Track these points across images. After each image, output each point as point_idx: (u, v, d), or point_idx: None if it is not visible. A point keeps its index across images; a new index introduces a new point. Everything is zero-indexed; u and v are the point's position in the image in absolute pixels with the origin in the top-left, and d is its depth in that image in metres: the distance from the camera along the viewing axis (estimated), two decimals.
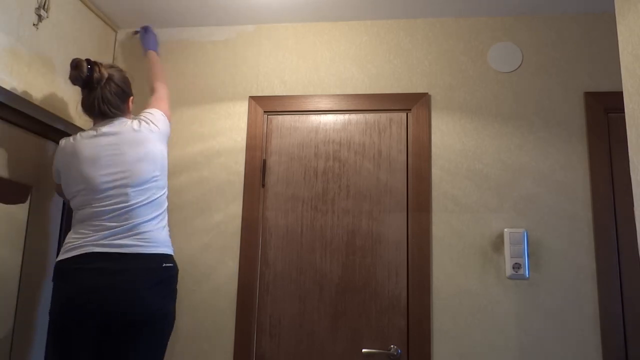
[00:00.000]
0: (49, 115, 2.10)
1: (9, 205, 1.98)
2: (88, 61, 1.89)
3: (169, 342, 2.23)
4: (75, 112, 2.25)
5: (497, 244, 2.16)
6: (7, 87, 1.84)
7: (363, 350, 2.13)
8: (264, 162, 2.35)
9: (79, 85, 1.92)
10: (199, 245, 2.32)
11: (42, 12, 2.00)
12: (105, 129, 1.89)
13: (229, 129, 2.41)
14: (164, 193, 1.94)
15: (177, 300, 2.26)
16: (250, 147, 2.36)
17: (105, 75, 1.90)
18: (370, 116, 2.34)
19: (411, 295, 2.16)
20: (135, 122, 1.94)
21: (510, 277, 2.12)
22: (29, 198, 2.08)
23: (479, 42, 2.35)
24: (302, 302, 2.22)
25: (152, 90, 2.19)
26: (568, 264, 2.11)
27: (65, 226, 2.29)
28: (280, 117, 2.40)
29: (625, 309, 2.04)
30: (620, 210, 2.11)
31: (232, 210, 2.33)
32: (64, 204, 2.29)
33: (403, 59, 2.38)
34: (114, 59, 2.55)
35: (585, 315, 2.06)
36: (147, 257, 1.79)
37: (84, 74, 1.87)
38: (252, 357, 2.19)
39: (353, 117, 2.35)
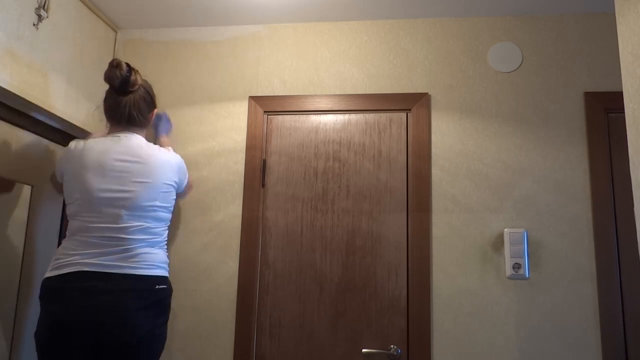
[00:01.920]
0: (49, 115, 2.11)
1: (9, 205, 1.98)
2: (127, 64, 1.87)
3: (166, 343, 2.24)
4: (74, 112, 2.25)
5: (497, 244, 2.16)
6: (7, 87, 1.84)
7: (363, 350, 2.13)
8: (264, 162, 2.35)
9: (114, 85, 1.85)
10: (199, 245, 2.32)
11: (42, 12, 2.00)
12: (122, 141, 1.82)
13: (229, 129, 2.41)
14: (162, 226, 1.86)
15: (177, 300, 2.27)
16: (250, 147, 2.36)
17: (139, 81, 1.89)
18: (370, 116, 2.34)
19: (411, 295, 2.16)
20: (155, 147, 1.89)
21: (510, 277, 2.12)
22: (29, 197, 2.08)
23: (479, 42, 2.35)
24: (302, 302, 2.22)
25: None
26: (568, 264, 2.11)
27: (65, 226, 2.29)
28: (280, 117, 2.40)
29: (625, 309, 2.04)
30: (620, 210, 2.11)
31: (232, 210, 2.33)
32: (64, 204, 2.29)
33: (403, 59, 2.38)
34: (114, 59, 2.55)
35: (585, 315, 2.06)
36: (139, 278, 1.73)
37: (124, 73, 1.83)
38: (252, 357, 2.19)
39: (353, 117, 2.35)
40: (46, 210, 2.18)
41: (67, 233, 1.79)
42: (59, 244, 2.26)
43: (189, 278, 2.29)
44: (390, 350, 2.12)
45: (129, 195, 1.76)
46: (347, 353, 2.15)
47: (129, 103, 1.87)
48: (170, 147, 2.10)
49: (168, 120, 2.38)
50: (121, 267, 1.71)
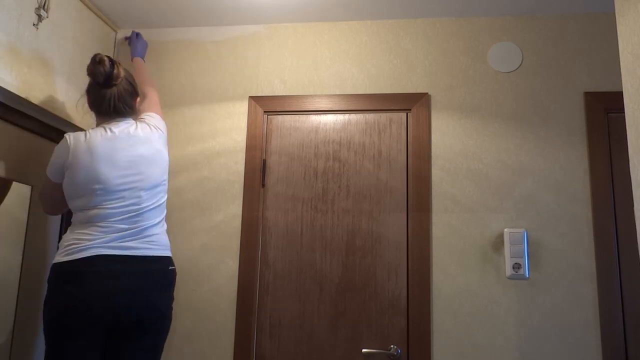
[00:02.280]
0: (49, 115, 2.11)
1: (9, 205, 1.98)
2: (109, 57, 1.87)
3: (166, 343, 2.24)
4: (74, 112, 2.25)
5: (497, 244, 2.16)
6: (7, 87, 1.84)
7: (363, 350, 2.13)
8: (264, 162, 2.35)
9: (99, 81, 1.84)
10: (199, 245, 2.32)
11: (42, 12, 2.00)
12: (116, 129, 1.85)
13: (229, 129, 2.41)
14: (166, 197, 1.97)
15: (177, 300, 2.27)
16: (250, 147, 2.36)
17: (122, 73, 1.89)
18: (370, 116, 2.34)
19: (411, 295, 2.16)
20: (144, 125, 1.93)
21: (510, 277, 2.12)
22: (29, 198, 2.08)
23: (479, 42, 2.35)
24: (302, 302, 2.22)
25: (143, 96, 2.14)
26: (568, 264, 2.11)
27: (66, 226, 2.29)
28: (280, 117, 2.40)
29: (625, 309, 2.04)
30: (620, 210, 2.11)
31: (232, 210, 2.33)
32: None
33: (403, 59, 2.38)
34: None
35: (585, 315, 2.06)
36: (155, 259, 1.81)
37: (107, 69, 1.83)
38: (252, 357, 2.19)
39: (353, 117, 2.35)
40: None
41: (76, 221, 1.80)
42: (59, 242, 2.25)
43: (189, 278, 2.29)
44: (390, 350, 2.12)
45: (143, 177, 1.84)
46: (347, 353, 2.15)
47: (113, 96, 1.87)
48: (145, 69, 2.30)
49: (143, 40, 2.42)
50: (138, 248, 1.79)
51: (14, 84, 1.88)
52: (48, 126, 2.17)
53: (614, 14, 2.28)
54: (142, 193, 1.83)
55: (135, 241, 1.79)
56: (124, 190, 1.80)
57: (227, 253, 2.30)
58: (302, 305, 2.21)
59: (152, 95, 2.17)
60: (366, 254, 2.22)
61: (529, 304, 2.10)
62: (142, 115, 2.00)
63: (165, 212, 1.95)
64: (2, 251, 1.95)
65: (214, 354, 2.22)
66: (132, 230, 1.79)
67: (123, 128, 1.87)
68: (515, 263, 2.11)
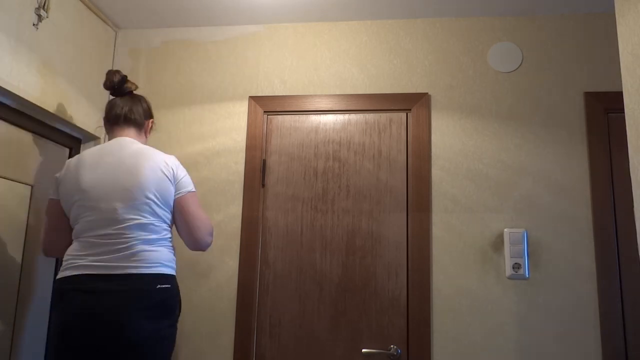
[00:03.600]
0: (49, 115, 2.11)
1: (9, 206, 1.98)
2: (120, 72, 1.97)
3: None
4: (74, 112, 2.25)
5: (497, 244, 2.16)
6: (7, 87, 1.84)
7: (363, 350, 2.13)
8: (264, 162, 2.35)
9: (112, 87, 1.94)
10: None
11: (42, 12, 2.00)
12: (115, 141, 1.84)
13: (229, 129, 2.41)
14: (161, 224, 1.78)
15: None
16: (250, 147, 2.36)
17: (134, 88, 1.98)
18: (370, 116, 2.34)
19: (411, 295, 2.16)
20: (153, 151, 1.85)
21: (510, 277, 2.12)
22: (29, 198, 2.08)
23: (479, 42, 2.35)
24: (302, 302, 2.22)
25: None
26: (568, 264, 2.11)
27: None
28: (280, 117, 2.40)
29: (625, 309, 2.04)
30: (620, 210, 2.11)
31: (232, 210, 2.33)
32: None
33: (403, 59, 2.38)
34: (114, 58, 2.55)
35: (585, 315, 2.06)
36: (138, 277, 1.68)
37: (120, 76, 1.94)
38: (252, 357, 2.19)
39: (353, 117, 2.35)
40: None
41: (72, 237, 1.79)
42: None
43: (189, 278, 2.29)
44: (390, 350, 2.12)
45: (123, 184, 1.73)
46: (347, 353, 2.15)
47: (125, 105, 1.92)
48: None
49: None
50: (122, 267, 1.68)
51: (13, 84, 1.88)
52: (48, 126, 2.17)
53: (614, 14, 2.28)
54: (119, 205, 1.71)
55: (120, 260, 1.68)
56: (101, 201, 1.72)
57: (227, 253, 2.30)
58: (302, 305, 2.21)
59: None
60: (366, 254, 2.22)
61: (529, 304, 2.10)
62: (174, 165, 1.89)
63: (161, 234, 1.78)
64: (2, 251, 1.95)
65: (214, 354, 2.22)
66: (116, 247, 1.69)
67: (122, 140, 1.84)
68: (515, 263, 2.11)
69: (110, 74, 1.96)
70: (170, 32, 2.55)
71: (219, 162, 2.39)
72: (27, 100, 1.95)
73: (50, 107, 2.07)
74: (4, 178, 1.96)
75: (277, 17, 2.42)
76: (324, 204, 2.28)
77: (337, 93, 2.38)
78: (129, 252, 1.70)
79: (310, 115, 2.38)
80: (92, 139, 2.42)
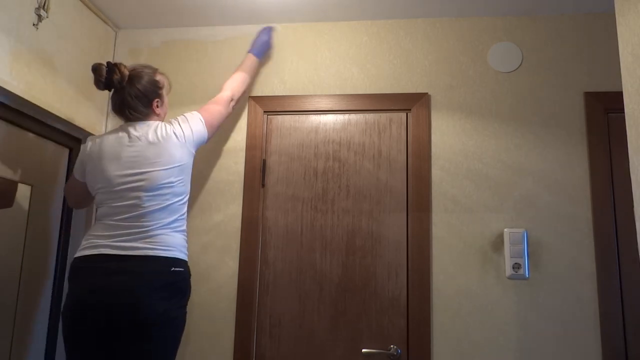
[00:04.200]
0: (49, 115, 2.11)
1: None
2: (108, 63, 1.90)
3: None
4: (74, 112, 2.25)
5: (497, 244, 2.16)
6: (7, 87, 1.84)
7: (363, 350, 2.13)
8: (264, 162, 2.35)
9: (102, 89, 1.93)
10: (199, 245, 2.32)
11: (42, 12, 2.00)
12: (131, 129, 1.91)
13: (229, 129, 2.41)
14: (180, 200, 1.90)
15: None
16: (250, 147, 2.36)
17: (127, 74, 1.89)
18: (370, 116, 2.34)
19: (411, 295, 2.16)
20: (162, 125, 1.94)
21: (510, 277, 2.12)
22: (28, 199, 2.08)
23: (479, 42, 2.35)
24: (302, 302, 2.22)
25: (220, 90, 2.22)
26: (568, 264, 2.11)
27: (65, 226, 2.29)
28: (280, 117, 2.40)
29: (625, 309, 2.04)
30: (620, 210, 2.11)
31: (232, 210, 2.33)
32: (64, 203, 2.29)
33: (403, 59, 2.38)
34: (114, 59, 2.55)
35: (585, 315, 2.06)
36: (154, 259, 1.78)
37: (103, 77, 1.88)
38: (252, 357, 2.19)
39: (353, 117, 2.35)
40: (46, 210, 2.18)
41: (96, 218, 1.92)
42: (59, 244, 2.26)
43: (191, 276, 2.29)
44: (390, 350, 2.12)
45: (145, 177, 1.83)
46: (347, 353, 2.15)
47: (119, 101, 1.93)
48: (249, 66, 2.30)
49: (266, 38, 2.38)
50: (139, 248, 1.78)
51: (14, 84, 1.88)
52: (48, 126, 2.17)
53: (614, 14, 2.27)
54: (142, 194, 1.81)
55: (137, 241, 1.79)
56: (124, 190, 1.82)
57: (227, 253, 2.30)
58: (302, 305, 2.21)
59: (220, 95, 2.19)
60: (366, 254, 2.22)
61: (529, 304, 2.10)
62: (175, 118, 2.01)
63: (179, 213, 1.89)
64: (2, 251, 1.95)
65: (214, 353, 2.22)
66: (135, 230, 1.80)
67: (137, 129, 1.91)
68: (515, 263, 2.11)
69: (94, 72, 1.89)
70: (170, 32, 2.55)
71: (219, 162, 2.39)
72: (27, 100, 1.95)
73: (50, 107, 2.07)
74: (4, 178, 1.95)
75: (277, 17, 2.42)
76: (324, 204, 2.28)
77: (337, 93, 2.38)
78: (148, 234, 1.80)
79: (310, 115, 2.38)
80: None
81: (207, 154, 2.40)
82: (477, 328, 2.10)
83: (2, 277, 1.94)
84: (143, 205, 1.81)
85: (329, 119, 2.36)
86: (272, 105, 2.40)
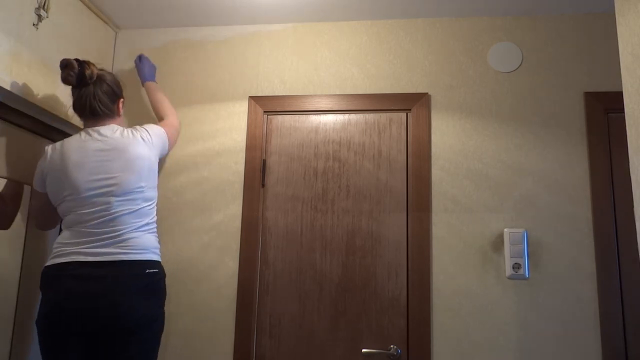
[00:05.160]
0: (49, 115, 2.11)
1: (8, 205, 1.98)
2: (77, 60, 1.92)
3: (165, 343, 2.24)
4: (74, 113, 2.25)
5: (497, 244, 2.16)
6: (7, 87, 1.84)
7: (363, 350, 2.13)
8: (264, 162, 2.35)
9: (71, 84, 1.91)
10: (199, 245, 2.32)
11: (42, 12, 2.00)
12: (94, 134, 1.88)
13: (229, 129, 2.41)
14: (150, 204, 1.91)
15: (177, 300, 2.27)
16: (250, 147, 2.36)
17: (96, 72, 1.93)
18: (370, 116, 2.34)
19: (411, 295, 2.16)
20: (127, 130, 1.93)
21: (510, 277, 2.12)
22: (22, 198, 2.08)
23: (479, 42, 2.35)
24: (302, 302, 2.22)
25: (160, 120, 2.21)
26: (568, 264, 2.11)
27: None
28: (280, 117, 2.40)
29: (625, 309, 2.04)
30: (620, 210, 2.11)
31: (232, 210, 2.33)
32: None
33: (403, 59, 2.38)
34: (114, 59, 2.55)
35: (585, 315, 2.06)
36: (129, 264, 1.77)
37: (76, 70, 1.87)
38: (252, 357, 2.19)
39: (353, 117, 2.35)
40: None
41: (62, 226, 1.87)
42: None
43: (189, 278, 2.29)
44: (390, 350, 2.12)
45: (115, 182, 1.81)
46: (347, 353, 2.15)
47: (89, 95, 1.90)
48: (159, 92, 2.27)
49: (150, 63, 2.38)
50: (113, 254, 1.76)
51: (14, 84, 1.88)
52: (48, 126, 2.17)
53: (614, 14, 2.28)
54: (113, 199, 1.79)
55: (110, 247, 1.77)
56: (93, 196, 1.79)
57: (227, 253, 2.30)
58: (302, 305, 2.21)
59: (168, 118, 2.18)
60: (366, 254, 2.22)
61: (529, 304, 2.10)
62: (136, 127, 1.99)
63: (149, 217, 1.89)
64: (2, 251, 1.95)
65: (214, 353, 2.22)
66: (107, 235, 1.78)
67: (102, 133, 1.88)
68: (515, 263, 2.11)
69: (66, 67, 1.88)
70: (170, 32, 2.55)
71: (219, 162, 2.39)
72: (27, 100, 1.95)
73: (50, 107, 2.07)
74: (4, 178, 1.96)
75: (277, 17, 2.42)
76: (324, 204, 2.28)
77: (337, 93, 2.38)
78: (120, 239, 1.78)
79: (310, 115, 2.38)
80: None
81: (207, 153, 2.40)
82: (477, 328, 2.10)
83: (2, 277, 1.94)
84: (113, 211, 1.79)
85: (329, 119, 2.36)
86: (272, 105, 2.40)
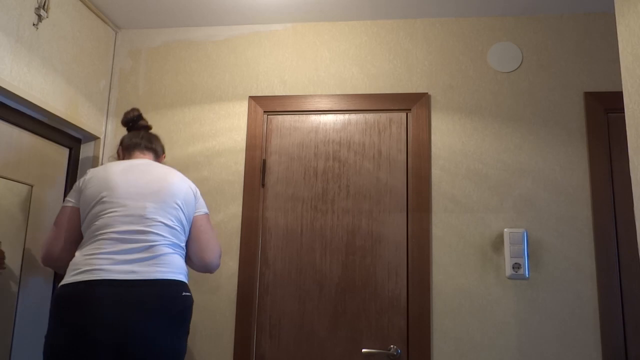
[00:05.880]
0: (49, 115, 2.11)
1: (9, 205, 1.98)
2: (136, 109, 2.12)
3: None
4: (74, 112, 2.25)
5: (497, 244, 2.16)
6: (7, 87, 1.84)
7: (363, 350, 2.13)
8: (264, 162, 2.35)
9: (133, 120, 2.07)
10: None
11: (42, 12, 2.00)
12: (139, 159, 1.92)
13: (229, 129, 2.41)
14: (181, 236, 1.78)
15: None
16: (250, 147, 2.36)
17: (150, 125, 2.11)
18: (370, 116, 2.34)
19: (411, 295, 2.16)
20: (177, 173, 1.88)
21: (510, 277, 2.12)
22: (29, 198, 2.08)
23: (479, 42, 2.35)
24: (302, 302, 2.22)
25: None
26: (568, 264, 2.11)
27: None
28: (280, 117, 2.40)
29: (625, 309, 2.04)
30: (620, 210, 2.11)
31: (232, 210, 2.33)
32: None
33: (403, 59, 2.38)
34: (114, 58, 2.55)
35: (585, 315, 2.06)
36: (165, 284, 1.63)
37: (137, 113, 2.08)
38: (252, 357, 2.19)
39: (353, 117, 2.35)
40: (46, 210, 2.18)
41: (85, 240, 1.70)
42: None
43: (189, 278, 2.29)
44: (390, 350, 2.12)
45: (154, 188, 1.75)
46: (347, 353, 2.15)
47: (146, 134, 2.02)
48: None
49: None
50: (147, 272, 1.61)
51: (14, 84, 1.88)
52: (48, 126, 2.18)
53: (614, 14, 2.28)
54: (148, 204, 1.70)
55: (141, 262, 1.62)
56: (129, 198, 1.70)
57: (227, 253, 2.30)
58: (302, 305, 2.21)
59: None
60: (366, 254, 2.22)
61: (529, 304, 2.10)
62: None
63: (181, 241, 1.76)
64: (2, 251, 1.95)
65: (214, 354, 2.22)
66: (138, 245, 1.64)
67: (148, 160, 1.90)
68: (515, 263, 2.11)
69: (128, 112, 2.09)
70: (170, 32, 2.55)
71: (219, 162, 2.39)
72: (27, 100, 1.95)
73: (50, 107, 2.08)
74: (4, 178, 1.96)
75: (277, 17, 2.42)
76: (324, 204, 2.28)
77: (337, 93, 2.38)
78: (154, 254, 1.65)
79: (310, 115, 2.38)
80: (92, 139, 2.42)
81: (207, 154, 2.40)
82: (477, 328, 2.10)
83: (2, 277, 1.94)
84: (147, 217, 1.68)
85: (329, 119, 2.36)
86: (272, 105, 2.40)
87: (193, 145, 2.42)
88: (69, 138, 2.32)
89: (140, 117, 2.09)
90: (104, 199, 1.71)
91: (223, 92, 2.46)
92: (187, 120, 2.45)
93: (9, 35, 1.86)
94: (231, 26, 2.52)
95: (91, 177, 1.79)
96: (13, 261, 2.00)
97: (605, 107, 2.19)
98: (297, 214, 2.29)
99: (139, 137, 1.99)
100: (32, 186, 2.10)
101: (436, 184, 2.24)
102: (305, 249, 2.26)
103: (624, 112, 1.51)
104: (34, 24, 1.98)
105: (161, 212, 1.72)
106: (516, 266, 2.11)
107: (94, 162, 2.40)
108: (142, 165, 1.84)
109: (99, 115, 2.44)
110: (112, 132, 2.48)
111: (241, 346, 2.19)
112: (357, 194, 2.28)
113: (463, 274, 2.15)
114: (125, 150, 1.98)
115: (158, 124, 2.45)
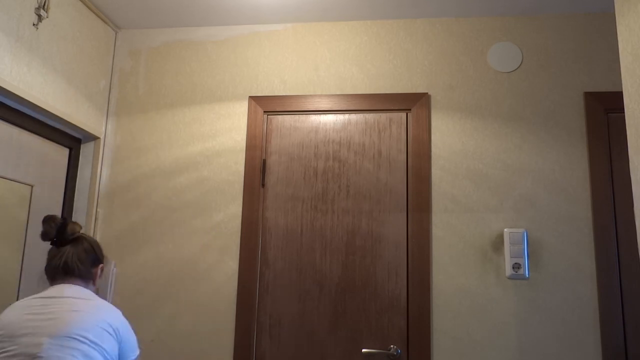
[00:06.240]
0: (49, 115, 2.11)
1: (9, 205, 1.98)
2: (62, 216, 1.72)
3: (166, 344, 2.23)
4: (74, 112, 2.25)
5: (497, 244, 2.16)
6: (7, 87, 1.84)
7: (363, 350, 2.13)
8: (264, 162, 2.35)
9: (52, 236, 1.64)
10: (199, 245, 2.32)
11: (42, 12, 2.00)
12: (57, 286, 1.58)
13: (229, 129, 2.41)
14: None
15: (177, 300, 2.27)
16: (250, 147, 2.36)
17: (78, 230, 1.67)
18: (370, 116, 2.34)
19: (411, 295, 2.16)
20: (103, 303, 1.57)
21: (510, 277, 2.12)
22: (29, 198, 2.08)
23: (479, 42, 2.35)
24: (302, 302, 2.22)
25: None
26: (568, 264, 2.11)
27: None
28: (280, 117, 2.40)
29: (625, 309, 2.04)
30: (620, 210, 2.11)
31: (232, 210, 2.33)
32: (64, 203, 2.29)
33: (403, 59, 2.38)
34: (114, 58, 2.55)
35: (585, 315, 2.06)
36: None
37: (58, 223, 1.63)
38: (252, 357, 2.19)
39: (353, 117, 2.35)
40: (46, 210, 2.18)
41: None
42: None
43: (189, 278, 2.29)
44: (390, 350, 2.12)
45: (55, 320, 1.44)
46: (347, 353, 2.15)
47: (66, 252, 1.62)
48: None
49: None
50: None
51: (14, 84, 1.88)
52: (48, 126, 2.18)
53: (614, 14, 2.28)
54: (45, 340, 1.39)
55: None
56: (25, 334, 1.41)
57: (227, 253, 2.30)
58: (302, 305, 2.21)
59: None
60: (366, 254, 2.22)
61: (529, 304, 2.10)
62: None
63: None
64: (2, 251, 1.95)
65: (214, 354, 2.22)
66: None
67: (63, 289, 1.56)
68: (515, 263, 2.11)
69: (46, 222, 1.64)
70: (170, 32, 2.55)
71: (219, 162, 2.39)
72: (27, 100, 1.95)
73: (50, 107, 2.07)
74: (4, 178, 1.96)
75: (277, 17, 2.42)
76: (324, 204, 2.28)
77: (337, 93, 2.38)
78: None
79: (310, 115, 2.38)
80: (92, 138, 2.42)
81: (207, 154, 2.40)
82: (477, 328, 2.10)
83: (2, 277, 1.94)
84: (41, 356, 1.37)
85: (329, 119, 2.36)
86: (272, 105, 2.40)
87: (193, 145, 2.42)
88: (69, 138, 2.32)
89: (64, 227, 1.63)
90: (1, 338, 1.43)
91: (223, 92, 2.46)
92: (187, 120, 2.45)
93: (9, 35, 1.86)
94: (231, 26, 2.52)
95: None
96: (13, 261, 2.00)
97: (605, 107, 2.19)
98: (297, 214, 2.29)
99: (60, 255, 1.62)
100: (32, 186, 2.10)
101: (436, 184, 2.24)
102: (305, 249, 2.26)
103: (624, 112, 1.51)
104: (34, 24, 1.98)
105: (60, 349, 1.40)
106: (516, 266, 2.11)
107: (94, 162, 2.40)
108: (48, 296, 1.53)
109: (99, 115, 2.44)
110: (112, 132, 2.48)
111: (241, 346, 2.19)
112: (357, 194, 2.28)
113: (463, 273, 2.15)
114: (47, 276, 1.64)
115: (158, 124, 2.45)
